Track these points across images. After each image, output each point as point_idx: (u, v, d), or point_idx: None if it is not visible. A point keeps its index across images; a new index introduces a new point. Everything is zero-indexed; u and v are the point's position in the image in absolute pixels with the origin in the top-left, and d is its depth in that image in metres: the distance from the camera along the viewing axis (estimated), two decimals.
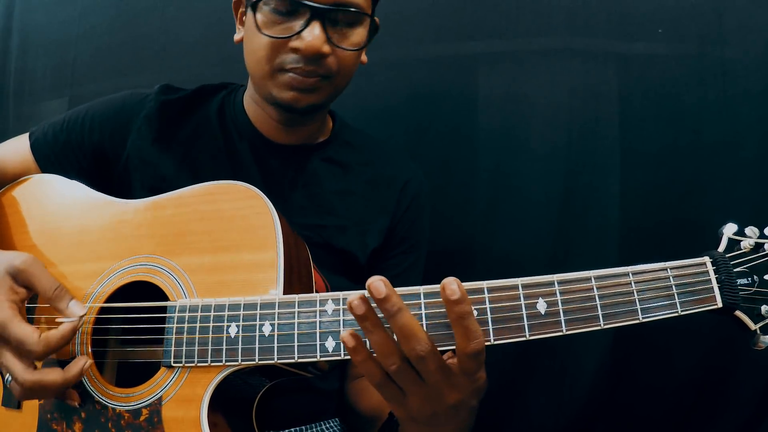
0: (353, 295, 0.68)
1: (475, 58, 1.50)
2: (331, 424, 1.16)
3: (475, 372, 0.71)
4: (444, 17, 1.53)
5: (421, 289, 0.73)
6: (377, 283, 0.67)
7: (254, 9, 1.00)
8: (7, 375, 0.85)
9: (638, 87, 1.42)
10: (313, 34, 0.95)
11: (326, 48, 0.97)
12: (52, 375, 0.83)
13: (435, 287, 0.72)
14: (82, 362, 0.84)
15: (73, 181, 1.05)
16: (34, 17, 1.88)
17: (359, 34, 1.03)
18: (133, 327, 0.90)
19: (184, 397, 0.81)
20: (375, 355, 0.70)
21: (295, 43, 0.97)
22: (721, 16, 1.37)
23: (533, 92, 1.47)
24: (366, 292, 0.68)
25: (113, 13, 1.78)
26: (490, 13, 1.50)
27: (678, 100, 1.39)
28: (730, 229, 0.76)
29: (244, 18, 1.08)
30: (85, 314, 0.85)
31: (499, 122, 1.48)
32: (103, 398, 0.87)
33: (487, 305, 0.71)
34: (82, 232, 0.98)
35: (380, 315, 0.69)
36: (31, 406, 0.92)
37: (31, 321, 0.89)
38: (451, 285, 0.67)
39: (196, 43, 1.70)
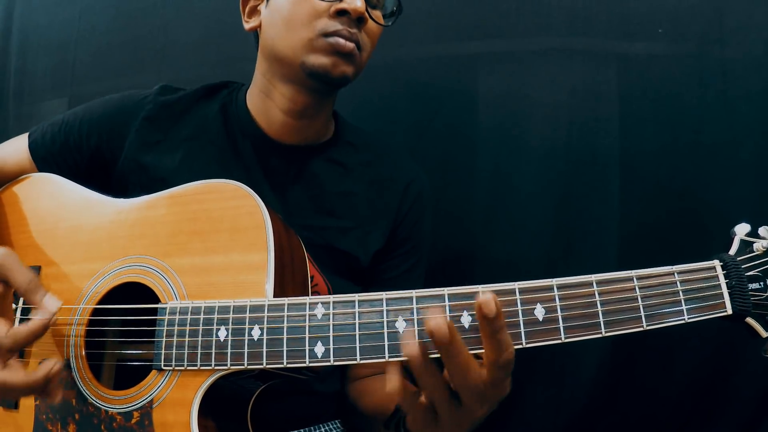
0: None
1: (475, 58, 1.50)
2: (331, 427, 1.16)
3: (504, 381, 0.69)
4: (444, 17, 1.52)
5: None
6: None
7: None
8: None
9: (638, 87, 1.41)
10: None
11: (366, 14, 1.02)
12: (16, 377, 0.80)
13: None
14: (49, 366, 0.79)
15: (70, 180, 1.05)
16: (34, 17, 1.88)
17: (381, 15, 1.09)
18: (125, 329, 0.90)
19: (174, 401, 0.80)
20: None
21: (341, 5, 1.00)
22: (721, 16, 1.36)
23: (533, 92, 1.46)
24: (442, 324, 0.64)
25: (113, 13, 1.79)
26: (490, 13, 1.49)
27: (678, 100, 1.38)
28: (742, 230, 0.72)
29: (259, 7, 1.10)
30: (57, 310, 0.82)
31: (499, 122, 1.48)
32: (96, 400, 0.86)
33: None
34: (77, 231, 0.98)
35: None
36: (28, 407, 0.92)
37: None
38: (489, 305, 0.64)
39: (196, 43, 1.70)
